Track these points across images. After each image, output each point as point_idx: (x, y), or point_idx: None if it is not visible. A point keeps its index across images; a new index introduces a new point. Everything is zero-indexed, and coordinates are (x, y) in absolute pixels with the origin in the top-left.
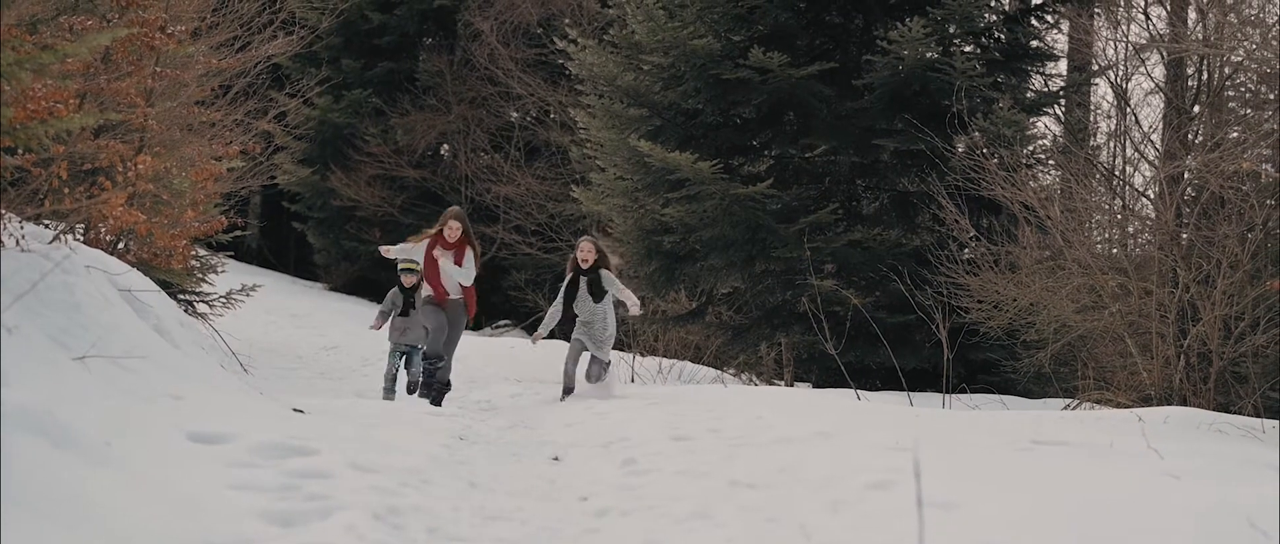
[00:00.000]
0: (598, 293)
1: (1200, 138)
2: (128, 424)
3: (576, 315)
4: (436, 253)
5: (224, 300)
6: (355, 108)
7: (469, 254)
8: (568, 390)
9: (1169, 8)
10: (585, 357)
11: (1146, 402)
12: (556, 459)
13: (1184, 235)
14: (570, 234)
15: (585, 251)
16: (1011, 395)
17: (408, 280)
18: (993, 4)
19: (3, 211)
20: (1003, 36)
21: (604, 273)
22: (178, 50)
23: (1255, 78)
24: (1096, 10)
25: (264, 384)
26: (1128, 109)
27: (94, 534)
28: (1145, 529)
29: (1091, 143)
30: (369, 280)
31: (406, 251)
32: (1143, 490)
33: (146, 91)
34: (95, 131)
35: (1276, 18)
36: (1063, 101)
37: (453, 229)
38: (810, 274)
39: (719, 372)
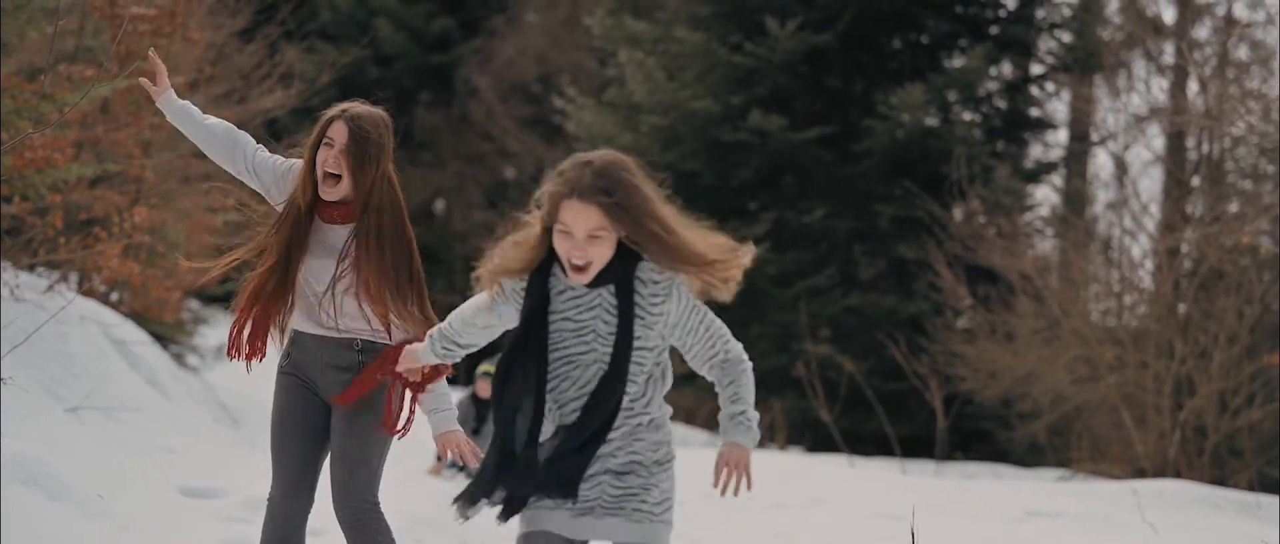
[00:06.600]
0: (627, 332)
1: (1199, 210)
2: (121, 477)
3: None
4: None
5: (215, 353)
6: None
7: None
8: None
9: (1170, 79)
10: None
11: (1141, 474)
12: None
13: (1181, 308)
14: None
15: (576, 222)
16: (1006, 464)
17: (484, 389)
18: (993, 72)
19: None
20: (1003, 105)
21: (647, 277)
22: None
23: (1256, 151)
24: (1098, 80)
25: (255, 438)
26: (1127, 179)
27: None
28: None
29: (1090, 213)
30: None
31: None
32: None
33: (144, 143)
34: (92, 182)
35: (1278, 91)
36: (1062, 170)
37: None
38: (805, 339)
39: (711, 435)
